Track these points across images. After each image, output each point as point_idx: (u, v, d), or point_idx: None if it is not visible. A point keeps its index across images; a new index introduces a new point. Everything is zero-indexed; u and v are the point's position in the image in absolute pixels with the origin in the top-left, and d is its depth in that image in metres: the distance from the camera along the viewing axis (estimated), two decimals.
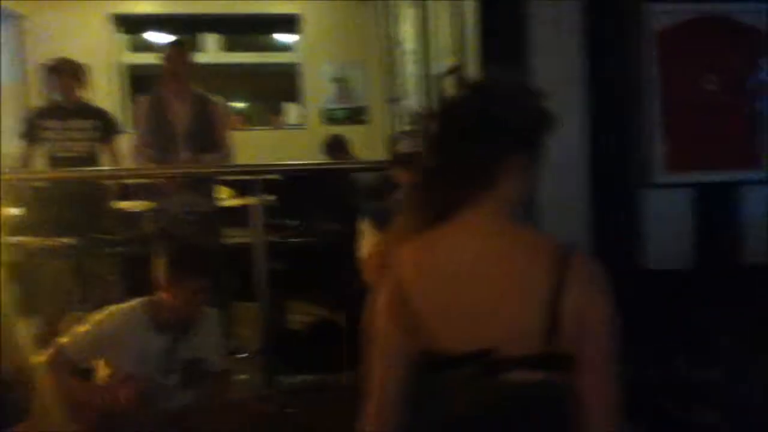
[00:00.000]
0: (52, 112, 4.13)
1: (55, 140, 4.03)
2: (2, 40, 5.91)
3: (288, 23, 6.58)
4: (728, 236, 3.40)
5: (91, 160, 4.04)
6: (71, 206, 3.73)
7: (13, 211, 4.06)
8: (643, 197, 3.37)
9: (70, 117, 4.05)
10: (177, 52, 3.85)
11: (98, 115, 4.17)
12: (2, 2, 5.53)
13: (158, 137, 3.80)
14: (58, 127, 4.03)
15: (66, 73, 4.07)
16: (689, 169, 3.37)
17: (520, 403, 1.16)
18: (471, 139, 1.23)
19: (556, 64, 3.29)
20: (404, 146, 2.26)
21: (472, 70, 3.53)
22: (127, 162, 4.10)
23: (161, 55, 3.90)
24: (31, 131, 4.08)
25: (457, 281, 1.19)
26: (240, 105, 7.11)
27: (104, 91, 6.17)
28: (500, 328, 1.16)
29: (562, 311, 1.14)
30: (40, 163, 4.13)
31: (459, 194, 1.23)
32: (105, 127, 4.12)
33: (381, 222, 2.21)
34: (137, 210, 4.30)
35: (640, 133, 3.37)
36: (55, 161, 4.02)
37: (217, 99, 3.98)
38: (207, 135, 3.83)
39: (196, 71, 3.96)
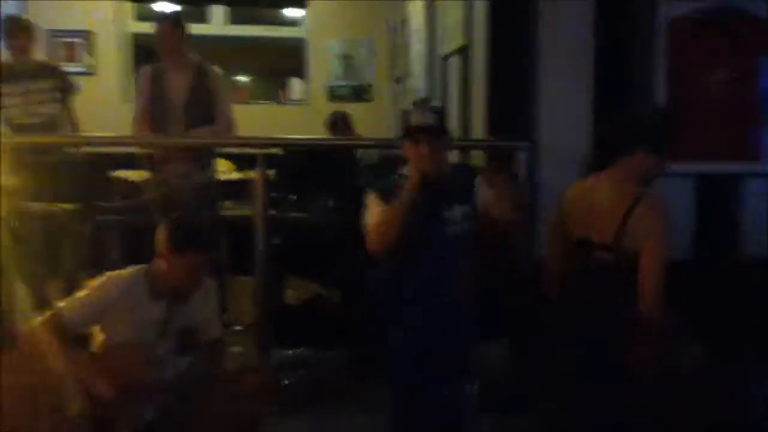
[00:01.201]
0: (6, 75, 3.88)
1: (16, 106, 3.86)
2: (5, 8, 5.87)
3: None
4: (729, 228, 3.41)
5: (55, 123, 3.90)
6: (70, 173, 3.72)
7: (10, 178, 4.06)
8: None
9: (30, 79, 3.88)
10: (169, 27, 3.78)
11: (56, 73, 4.01)
12: None
13: (157, 108, 3.77)
14: (19, 91, 3.87)
15: (24, 30, 3.90)
16: (692, 159, 3.36)
17: (599, 268, 2.36)
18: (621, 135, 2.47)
19: (565, 50, 3.29)
20: (415, 121, 2.25)
21: (479, 52, 3.51)
22: (125, 130, 4.06)
23: (155, 30, 3.82)
24: None
25: (587, 204, 2.42)
26: (244, 79, 7.08)
27: (109, 60, 6.16)
28: (598, 229, 2.36)
29: (629, 223, 2.30)
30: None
31: (607, 162, 2.45)
32: (64, 86, 3.98)
33: (386, 195, 2.22)
34: (136, 179, 4.31)
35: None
36: (19, 128, 3.84)
37: (216, 70, 3.93)
38: (205, 106, 3.78)
39: (191, 43, 3.90)
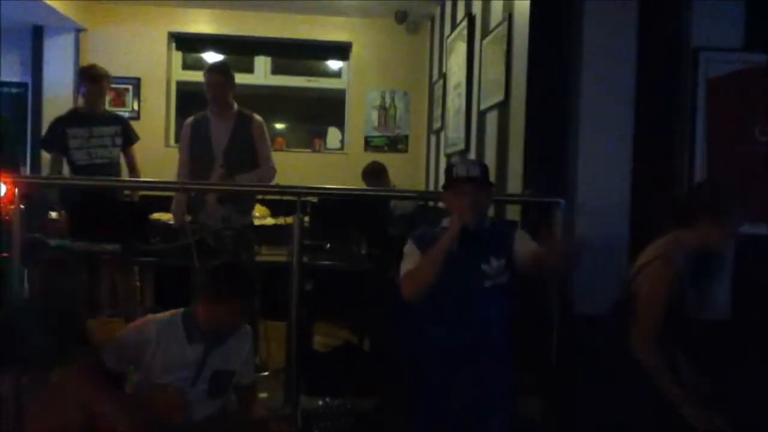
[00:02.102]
0: (76, 119, 4.18)
1: (81, 148, 4.10)
2: (61, 52, 6.15)
3: (338, 50, 6.72)
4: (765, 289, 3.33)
5: (114, 167, 4.12)
6: (113, 215, 3.82)
7: (56, 215, 4.19)
8: None
9: (94, 124, 4.12)
10: (218, 75, 3.95)
11: (119, 121, 4.25)
12: (64, 12, 5.73)
13: (199, 157, 3.90)
14: (84, 135, 4.11)
15: (96, 80, 4.13)
16: None
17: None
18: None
19: (605, 109, 3.31)
20: (459, 171, 2.28)
21: (518, 108, 3.55)
22: (168, 172, 4.19)
23: (205, 77, 3.99)
24: (56, 140, 4.14)
25: None
26: (284, 126, 7.23)
27: (155, 105, 6.38)
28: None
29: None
30: (65, 170, 4.19)
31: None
32: (126, 133, 4.21)
33: (424, 244, 2.24)
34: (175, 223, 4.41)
35: (683, 180, 3.35)
36: (81, 169, 4.09)
37: (258, 118, 4.04)
38: (246, 153, 3.91)
39: (239, 91, 4.05)
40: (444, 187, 2.32)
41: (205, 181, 3.86)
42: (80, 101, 4.28)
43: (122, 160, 4.36)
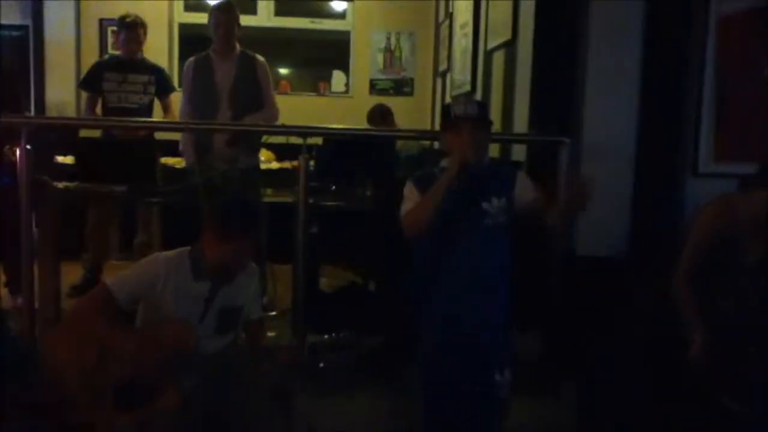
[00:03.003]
0: (113, 65, 4.33)
1: (113, 92, 4.19)
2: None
3: None
4: None
5: (145, 112, 4.18)
6: (122, 156, 3.85)
7: (64, 157, 4.22)
8: (689, 187, 3.33)
9: (129, 71, 4.22)
10: (225, 15, 3.90)
11: (154, 71, 4.30)
12: None
13: (203, 97, 3.88)
14: (118, 79, 4.20)
15: (132, 28, 4.21)
16: (736, 159, 3.30)
17: None
18: None
19: (613, 47, 3.27)
20: (457, 111, 2.27)
21: (525, 48, 3.51)
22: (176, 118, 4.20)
23: (209, 17, 3.95)
24: (93, 81, 4.26)
25: None
26: (288, 70, 7.15)
27: (158, 49, 6.29)
28: None
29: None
30: (99, 111, 4.28)
31: None
32: (160, 82, 4.27)
33: (423, 185, 2.25)
34: (182, 166, 4.42)
35: (691, 122, 3.32)
36: (112, 111, 4.20)
37: (261, 59, 4.02)
38: (250, 95, 3.89)
39: (242, 33, 4.01)
40: (442, 127, 2.32)
41: (211, 121, 3.86)
42: (118, 49, 4.42)
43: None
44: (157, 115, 4.46)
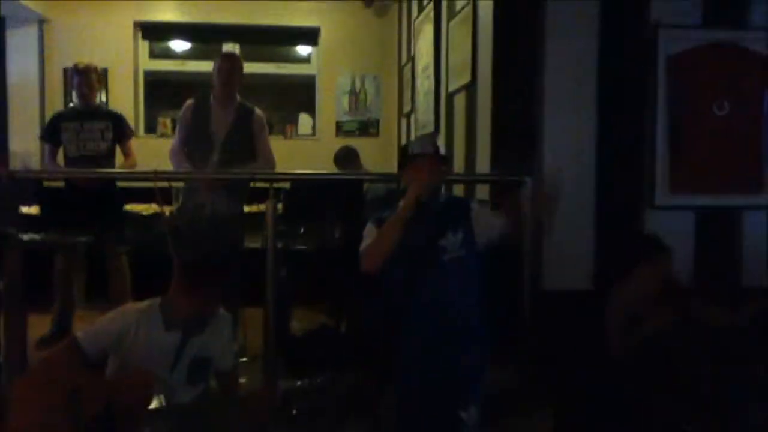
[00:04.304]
0: (70, 115, 4.35)
1: (71, 141, 4.20)
2: (24, 43, 6.08)
3: (307, 35, 6.71)
4: (729, 260, 3.46)
5: (105, 160, 4.17)
6: (86, 205, 3.84)
7: (28, 209, 4.19)
8: (646, 218, 3.43)
9: (85, 119, 4.22)
10: (228, 64, 3.93)
11: (111, 117, 4.32)
12: (26, 3, 5.66)
13: (197, 142, 3.87)
14: (75, 128, 4.20)
15: (84, 74, 4.24)
16: (693, 191, 3.43)
17: None
18: None
19: (568, 88, 3.39)
20: (413, 148, 2.38)
21: (484, 90, 3.61)
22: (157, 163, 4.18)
23: (214, 65, 3.97)
24: (52, 133, 4.28)
25: None
26: None
27: (124, 96, 6.32)
28: None
29: None
30: (61, 161, 4.28)
31: None
32: (118, 128, 4.27)
33: (382, 224, 2.32)
34: (147, 213, 4.43)
35: (646, 155, 3.44)
36: (72, 161, 4.19)
37: (259, 112, 4.04)
38: (244, 145, 3.89)
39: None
40: (399, 165, 2.41)
41: (179, 171, 3.85)
42: (74, 97, 4.43)
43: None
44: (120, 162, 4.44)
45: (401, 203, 2.32)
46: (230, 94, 3.93)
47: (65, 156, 4.25)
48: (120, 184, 4.30)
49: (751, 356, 2.82)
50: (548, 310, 3.17)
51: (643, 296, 2.87)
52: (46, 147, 4.34)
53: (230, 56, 4.10)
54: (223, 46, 6.62)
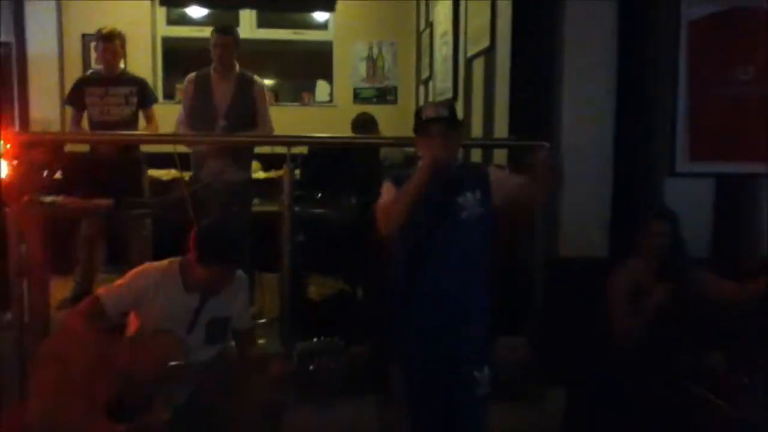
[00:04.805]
0: (94, 80, 4.37)
1: (95, 105, 4.22)
2: (42, 12, 6.09)
3: (324, 2, 6.63)
4: (749, 229, 3.42)
5: (128, 124, 4.20)
6: (108, 169, 3.89)
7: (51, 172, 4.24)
8: (666, 186, 3.40)
9: (110, 84, 4.24)
10: (224, 36, 4.00)
11: (136, 83, 4.34)
12: None
13: (201, 114, 3.97)
14: (100, 93, 4.22)
15: (108, 40, 4.24)
16: (712, 159, 3.39)
17: None
18: None
19: (587, 53, 3.34)
20: (426, 113, 2.35)
21: (503, 55, 3.57)
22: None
23: (210, 40, 4.02)
24: (76, 98, 4.30)
25: None
26: (272, 81, 7.20)
27: (142, 63, 6.32)
28: None
29: None
30: (85, 126, 4.32)
31: None
32: (141, 94, 4.29)
33: (399, 183, 2.31)
34: (170, 178, 4.47)
35: (665, 123, 3.40)
36: (96, 125, 4.22)
37: (259, 80, 4.12)
38: (246, 113, 3.99)
39: (241, 54, 4.08)
40: (414, 130, 2.39)
41: (199, 133, 3.92)
42: (98, 63, 4.46)
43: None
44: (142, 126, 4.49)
45: (418, 167, 2.31)
46: (229, 66, 4.02)
47: (89, 120, 4.28)
48: (142, 148, 4.33)
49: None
50: (563, 278, 3.17)
51: (643, 267, 2.85)
52: (71, 111, 4.37)
53: (224, 29, 4.11)
54: (240, 13, 6.60)
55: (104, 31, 4.27)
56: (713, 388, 2.68)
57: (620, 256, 3.08)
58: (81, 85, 4.36)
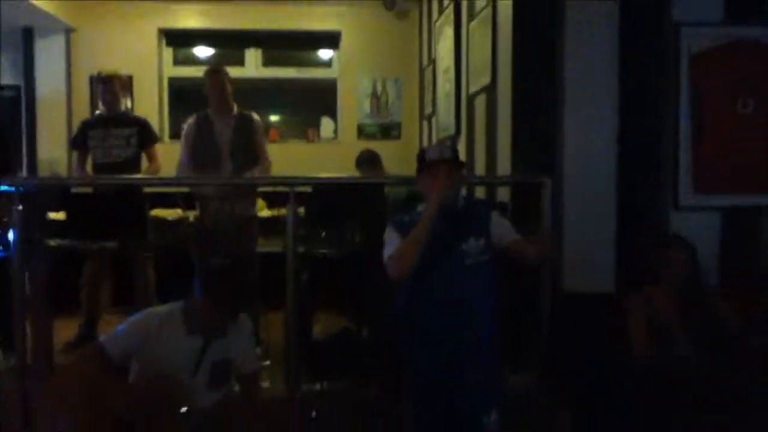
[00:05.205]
0: (96, 122, 4.42)
1: (97, 147, 4.27)
2: (52, 52, 6.21)
3: (328, 40, 6.74)
4: (754, 259, 3.39)
5: (130, 165, 4.23)
6: (111, 211, 3.91)
7: (55, 213, 4.27)
8: (671, 218, 3.39)
9: (111, 126, 4.29)
10: (216, 78, 4.07)
11: (136, 123, 4.38)
12: (54, 13, 5.77)
13: (205, 153, 4.02)
14: (101, 136, 4.28)
15: (108, 83, 4.32)
16: (718, 191, 3.37)
17: None
18: None
19: (589, 88, 3.36)
20: (431, 154, 2.36)
21: (505, 92, 3.59)
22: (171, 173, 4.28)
23: (203, 81, 4.09)
24: (79, 140, 4.37)
25: None
26: (277, 118, 7.27)
27: (149, 103, 6.41)
28: None
29: None
30: (89, 168, 4.36)
31: None
32: (142, 134, 4.33)
33: (403, 228, 2.31)
34: (175, 218, 4.48)
35: (669, 156, 3.40)
36: (98, 167, 4.28)
37: (257, 118, 4.19)
38: (247, 150, 4.05)
39: (236, 92, 4.14)
40: (418, 171, 2.40)
41: (203, 175, 3.96)
42: (101, 104, 4.50)
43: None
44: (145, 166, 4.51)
45: (423, 210, 2.31)
46: (226, 105, 4.09)
47: (93, 162, 4.34)
48: (145, 189, 4.36)
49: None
50: (568, 313, 3.14)
51: (662, 295, 2.83)
52: (75, 154, 4.43)
53: (216, 71, 4.17)
54: (245, 52, 6.70)
55: (103, 74, 4.37)
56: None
57: (626, 290, 3.05)
58: (84, 127, 4.41)
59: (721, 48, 3.41)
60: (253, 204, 4.20)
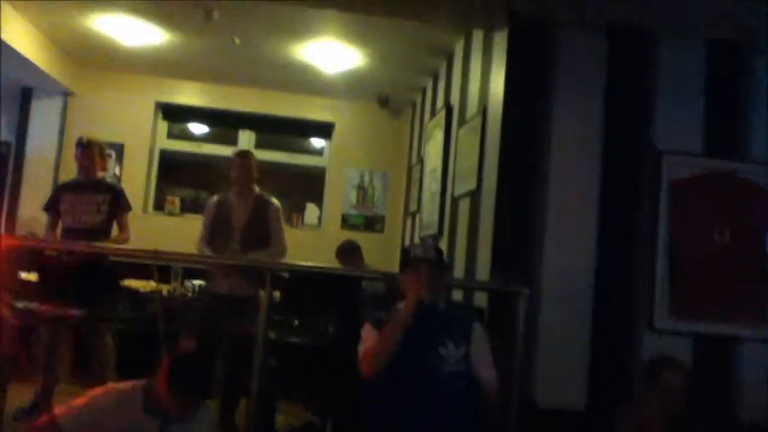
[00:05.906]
0: (70, 186, 4.37)
1: (67, 212, 4.21)
2: (47, 113, 6.28)
3: (321, 129, 6.90)
4: (724, 391, 3.39)
5: (98, 233, 4.15)
6: (77, 278, 3.84)
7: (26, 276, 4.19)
8: (645, 341, 3.40)
9: (85, 191, 4.25)
10: (243, 162, 4.23)
11: (110, 191, 4.35)
12: (54, 75, 5.87)
13: (219, 232, 4.13)
14: (72, 200, 4.23)
15: (86, 148, 4.30)
16: (693, 317, 3.41)
17: None
18: None
19: (572, 205, 3.45)
20: (416, 253, 2.39)
21: (488, 199, 3.67)
22: (147, 238, 4.24)
23: (231, 161, 4.25)
24: (52, 203, 4.31)
25: None
26: None
27: (137, 171, 6.45)
28: None
29: None
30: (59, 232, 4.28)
31: None
32: (115, 201, 4.28)
33: (380, 325, 2.30)
34: (148, 290, 4.42)
35: (645, 278, 3.45)
36: (67, 232, 4.19)
37: (275, 202, 4.31)
38: (260, 233, 4.13)
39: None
40: (401, 268, 2.42)
41: (192, 254, 4.05)
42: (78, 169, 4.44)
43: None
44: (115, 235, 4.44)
45: (401, 307, 2.31)
46: (247, 187, 4.22)
47: (62, 227, 4.25)
48: (119, 258, 4.30)
49: None
50: (541, 430, 3.09)
51: (651, 415, 2.74)
52: (47, 216, 4.34)
53: (244, 154, 4.36)
54: (239, 133, 6.82)
55: (83, 139, 4.34)
56: None
57: (598, 409, 3.02)
58: (58, 191, 4.38)
59: (699, 178, 3.53)
60: (255, 285, 4.09)
